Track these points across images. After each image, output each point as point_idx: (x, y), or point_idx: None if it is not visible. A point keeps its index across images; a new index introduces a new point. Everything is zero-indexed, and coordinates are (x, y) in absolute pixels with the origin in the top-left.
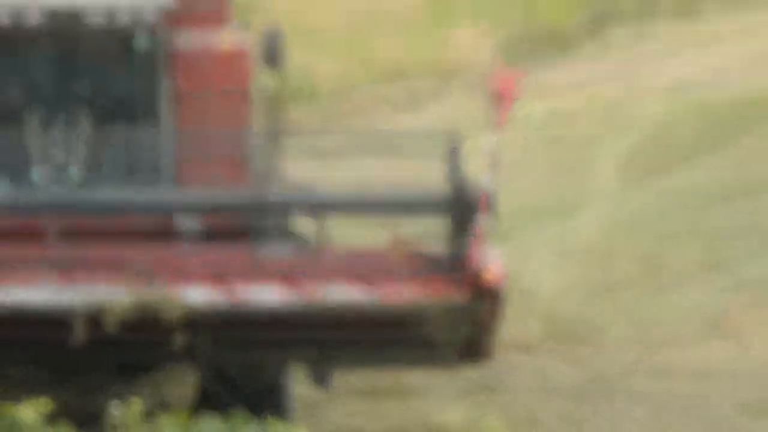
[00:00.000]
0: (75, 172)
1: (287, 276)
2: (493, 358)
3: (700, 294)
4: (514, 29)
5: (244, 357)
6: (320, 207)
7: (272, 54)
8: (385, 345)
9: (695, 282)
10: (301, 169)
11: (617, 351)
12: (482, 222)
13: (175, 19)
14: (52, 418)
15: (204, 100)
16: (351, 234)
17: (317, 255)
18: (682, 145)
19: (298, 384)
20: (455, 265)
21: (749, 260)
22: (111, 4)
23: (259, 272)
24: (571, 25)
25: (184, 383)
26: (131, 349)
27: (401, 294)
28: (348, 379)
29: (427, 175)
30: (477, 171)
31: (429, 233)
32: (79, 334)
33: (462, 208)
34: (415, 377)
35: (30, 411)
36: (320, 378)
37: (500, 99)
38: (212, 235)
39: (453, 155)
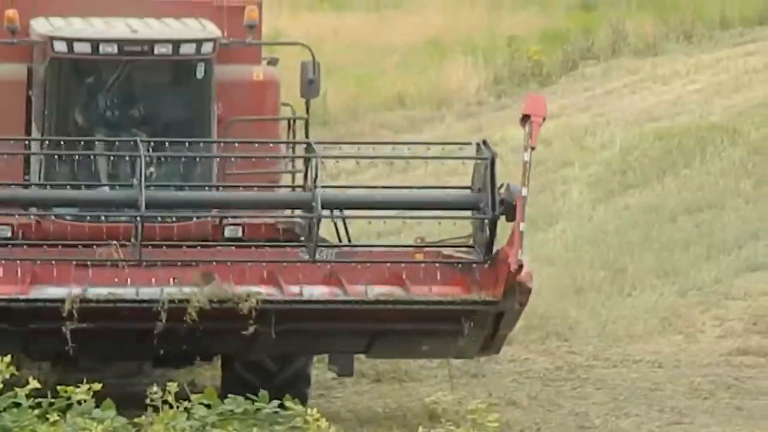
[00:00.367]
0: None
1: (332, 276)
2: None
3: (655, 296)
4: (500, 65)
5: (299, 346)
6: (374, 206)
7: (310, 84)
8: (419, 338)
9: (650, 286)
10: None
11: (583, 344)
12: (519, 226)
13: (219, 53)
14: (99, 399)
15: (240, 123)
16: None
17: (357, 256)
18: (642, 169)
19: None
20: (490, 265)
21: (695, 268)
22: (177, 37)
23: (308, 272)
24: (550, 62)
25: (213, 369)
26: (208, 337)
27: (434, 292)
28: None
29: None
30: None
31: (456, 234)
32: (163, 323)
33: (499, 211)
34: (412, 364)
35: (83, 392)
36: (344, 366)
37: (531, 120)
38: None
39: (489, 162)
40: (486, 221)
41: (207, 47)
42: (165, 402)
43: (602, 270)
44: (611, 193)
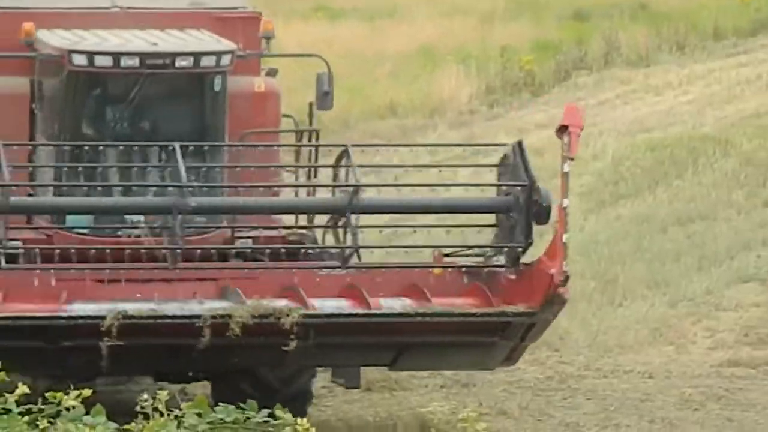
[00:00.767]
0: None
1: (352, 290)
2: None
3: (645, 307)
4: (493, 74)
5: (330, 359)
6: (406, 209)
7: (325, 96)
8: (448, 351)
9: (641, 297)
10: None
11: (574, 354)
12: (563, 237)
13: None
14: (89, 406)
15: (251, 135)
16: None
17: (376, 271)
18: (633, 179)
19: None
20: (523, 275)
21: (686, 279)
22: (198, 50)
23: (326, 287)
24: (542, 72)
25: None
26: (246, 351)
27: (469, 304)
28: None
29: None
30: None
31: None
32: (207, 338)
33: (535, 218)
34: (403, 373)
35: (73, 398)
36: (351, 378)
37: (570, 130)
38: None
39: (525, 166)
40: (517, 225)
41: (225, 59)
42: (155, 409)
43: (593, 280)
44: (603, 204)
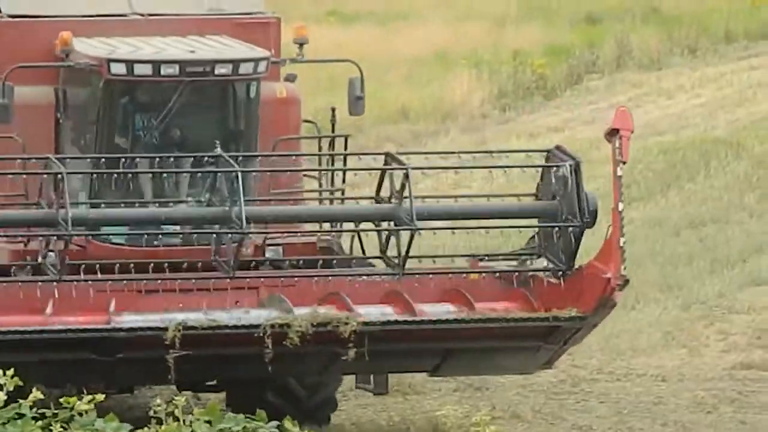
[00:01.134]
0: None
1: (395, 296)
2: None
3: (658, 310)
4: (505, 78)
5: (377, 367)
6: (458, 216)
7: (357, 101)
8: (493, 356)
9: (653, 300)
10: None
11: (586, 357)
12: (620, 241)
13: None
14: (101, 411)
15: (282, 142)
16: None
17: (415, 277)
18: (645, 183)
19: None
20: (572, 279)
21: (699, 282)
22: (237, 57)
23: (366, 293)
24: (554, 75)
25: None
26: (303, 359)
27: (515, 308)
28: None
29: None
30: None
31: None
32: (268, 347)
33: (586, 223)
34: (416, 377)
35: (86, 403)
36: (380, 383)
37: (620, 134)
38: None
39: (574, 166)
40: (570, 231)
41: (262, 66)
42: (169, 414)
43: None
44: None
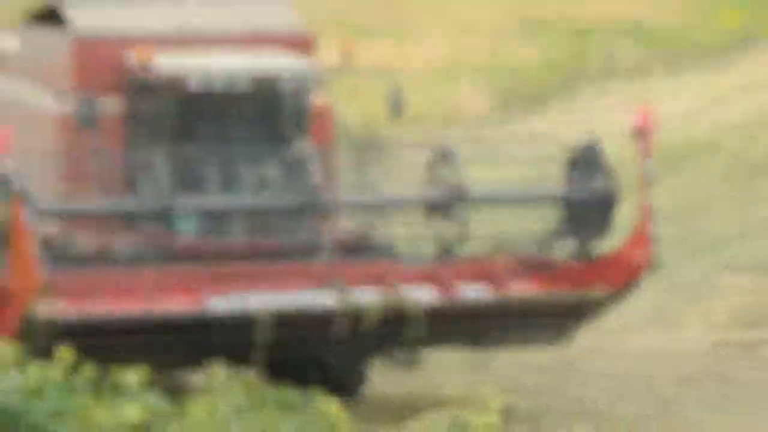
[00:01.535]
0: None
1: (434, 277)
2: None
3: (645, 292)
4: (505, 87)
5: (427, 343)
6: (500, 201)
7: (396, 106)
8: (525, 331)
9: (641, 283)
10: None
11: (579, 337)
12: (648, 227)
13: None
14: (148, 385)
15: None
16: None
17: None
18: (634, 180)
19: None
20: (598, 262)
21: (682, 266)
22: (299, 69)
23: (405, 275)
24: (549, 83)
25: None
26: (376, 340)
27: (532, 288)
28: None
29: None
30: None
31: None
32: (342, 329)
33: (612, 207)
34: (423, 353)
35: (133, 376)
36: (410, 359)
37: (643, 133)
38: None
39: (600, 160)
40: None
41: (317, 78)
42: (208, 387)
43: None
44: None
